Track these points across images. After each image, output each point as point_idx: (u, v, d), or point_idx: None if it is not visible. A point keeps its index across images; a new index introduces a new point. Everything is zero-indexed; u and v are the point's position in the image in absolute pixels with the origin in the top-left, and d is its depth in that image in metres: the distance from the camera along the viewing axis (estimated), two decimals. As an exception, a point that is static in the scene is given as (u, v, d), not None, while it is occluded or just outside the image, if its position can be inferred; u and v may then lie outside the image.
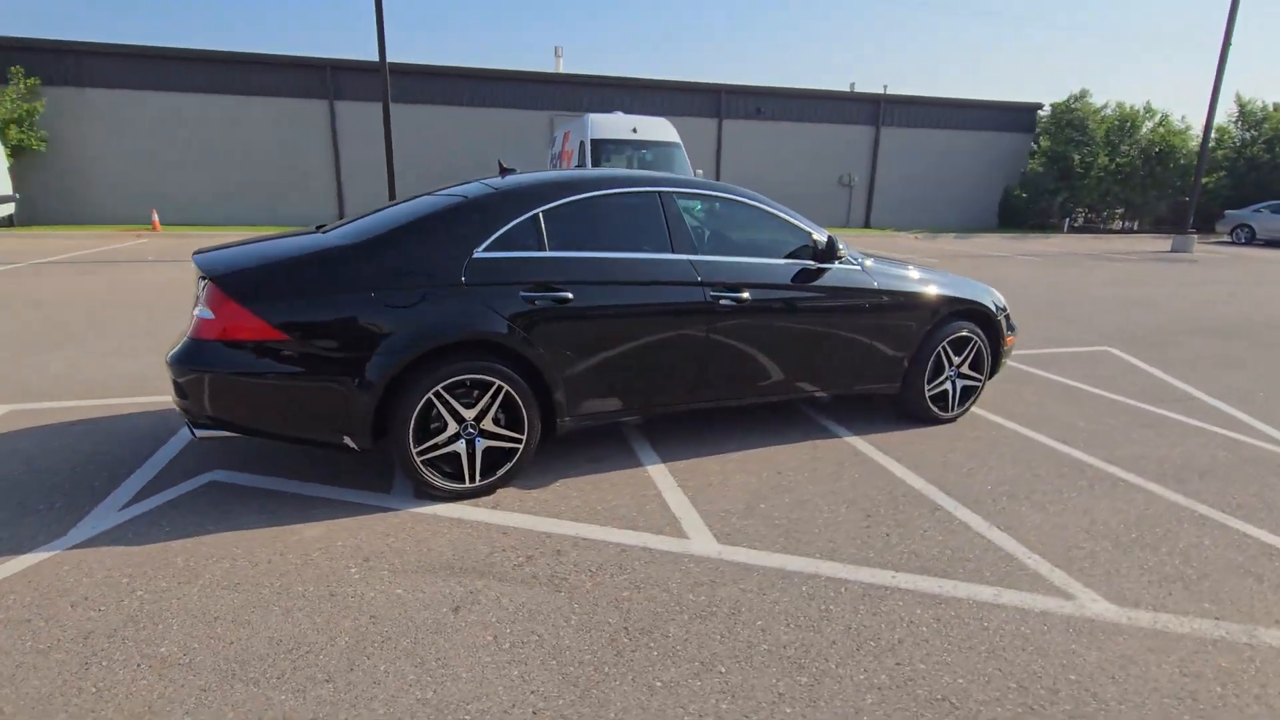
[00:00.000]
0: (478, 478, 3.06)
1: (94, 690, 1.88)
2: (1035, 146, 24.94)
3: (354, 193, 19.17)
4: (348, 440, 2.87)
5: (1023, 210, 24.64)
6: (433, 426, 2.96)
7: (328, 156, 18.85)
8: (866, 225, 24.15)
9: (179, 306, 7.28)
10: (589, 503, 3.08)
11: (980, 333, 4.20)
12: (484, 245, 3.03)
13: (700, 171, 13.60)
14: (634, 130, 12.54)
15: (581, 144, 12.27)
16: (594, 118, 12.72)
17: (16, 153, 16.06)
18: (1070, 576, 2.59)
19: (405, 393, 2.86)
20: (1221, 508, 3.20)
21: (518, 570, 2.53)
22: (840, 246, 3.73)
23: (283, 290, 2.77)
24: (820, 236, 3.73)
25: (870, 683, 2.00)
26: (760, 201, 3.81)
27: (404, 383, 2.86)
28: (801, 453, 3.73)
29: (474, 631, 2.18)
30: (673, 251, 3.39)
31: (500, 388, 3.01)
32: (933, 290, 4.06)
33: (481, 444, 3.05)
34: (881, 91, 23.94)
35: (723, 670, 2.04)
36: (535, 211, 3.16)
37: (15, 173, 15.76)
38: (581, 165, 12.05)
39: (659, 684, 1.97)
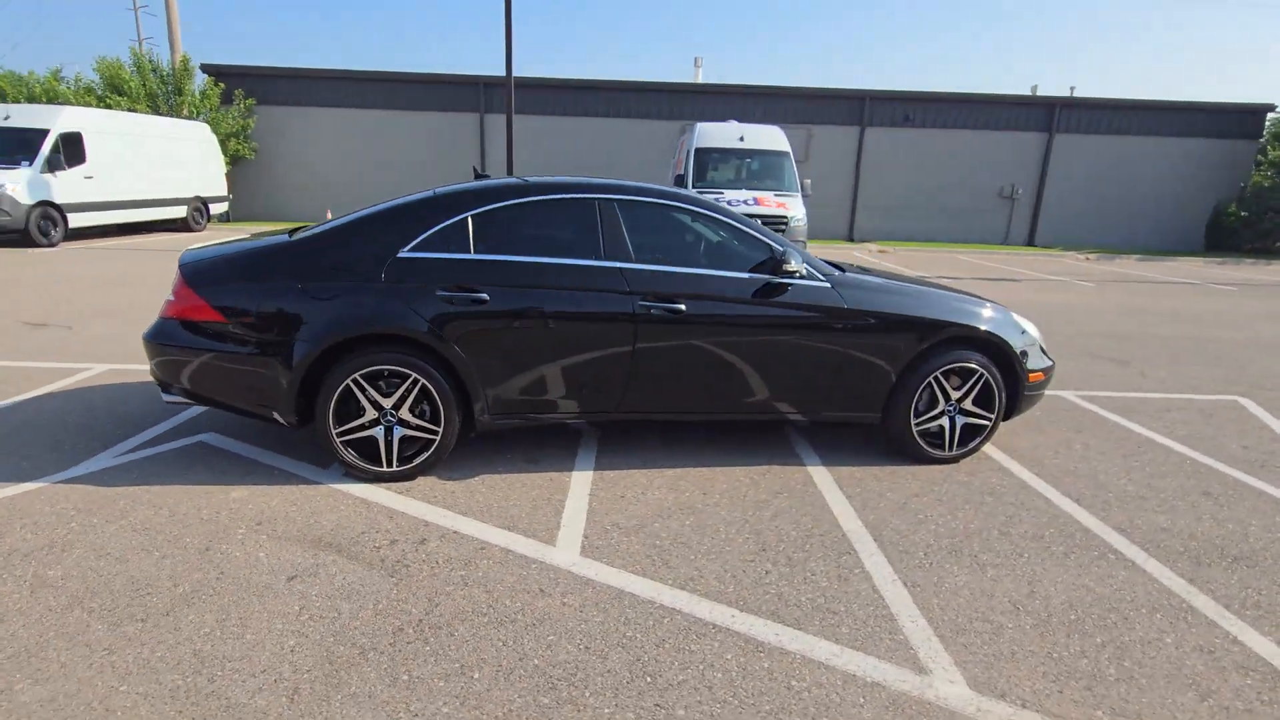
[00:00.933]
0: (394, 463, 3.25)
1: (-18, 596, 2.30)
2: (1262, 157, 20.91)
3: (497, 197, 20.71)
4: (275, 415, 3.19)
5: (1239, 231, 20.75)
6: (354, 411, 3.19)
7: (477, 165, 20.51)
8: (1030, 242, 21.68)
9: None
10: (490, 500, 3.15)
11: (990, 365, 3.68)
12: (409, 246, 3.22)
13: (809, 181, 13.02)
14: (740, 139, 12.34)
15: (688, 153, 12.30)
16: (701, 127, 12.70)
17: (233, 161, 19.30)
18: (944, 650, 2.22)
19: (326, 377, 3.12)
20: (1226, 602, 2.56)
21: (373, 552, 2.67)
22: (797, 262, 3.46)
23: (225, 278, 3.15)
24: (779, 249, 3.50)
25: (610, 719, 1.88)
26: (719, 213, 3.64)
27: (325, 368, 3.13)
28: (747, 476, 3.52)
29: (288, 600, 2.34)
30: (603, 259, 3.36)
31: (417, 380, 3.18)
32: (923, 313, 3.64)
33: (399, 432, 3.24)
34: (1065, 95, 21.40)
35: (475, 677, 2.02)
36: (464, 215, 3.30)
37: (232, 178, 18.97)
38: (685, 175, 12.08)
39: (405, 678, 2.00)
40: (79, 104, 17.25)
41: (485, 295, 3.19)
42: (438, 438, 3.27)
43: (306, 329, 3.08)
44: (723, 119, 15.52)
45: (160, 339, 3.19)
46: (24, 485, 3.10)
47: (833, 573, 2.66)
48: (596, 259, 3.35)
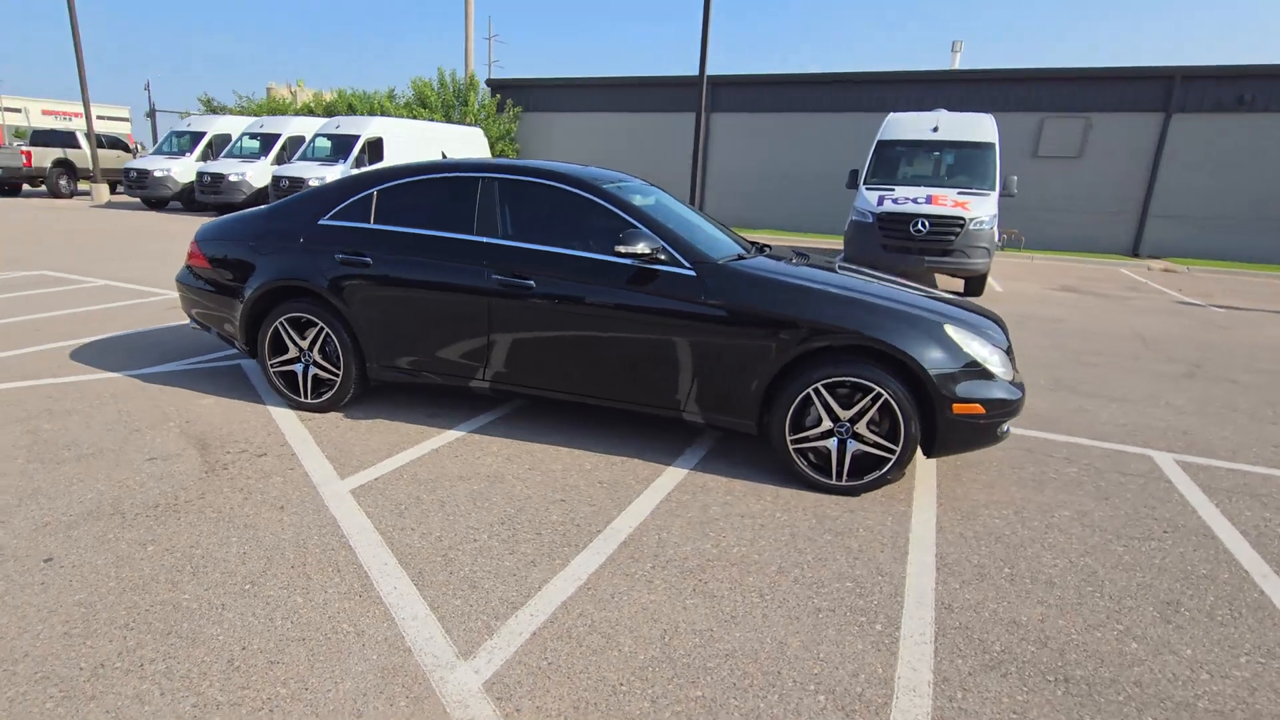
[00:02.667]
0: (308, 396, 3.91)
1: None
2: None
3: (713, 196, 21.15)
4: (236, 342, 4.05)
5: None
6: (283, 348, 3.91)
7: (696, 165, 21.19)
8: None
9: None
10: (351, 439, 3.61)
11: (894, 384, 3.05)
12: (327, 215, 3.81)
13: (1014, 178, 10.90)
14: (935, 129, 10.91)
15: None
16: (891, 117, 11.52)
17: (501, 159, 22.79)
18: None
19: (263, 318, 3.88)
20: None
21: (219, 452, 3.32)
22: (641, 245, 3.24)
23: (216, 236, 4.08)
24: (645, 232, 3.33)
25: None
26: (593, 193, 3.56)
27: (263, 310, 3.89)
28: (593, 462, 3.46)
29: (134, 467, 3.09)
30: (473, 233, 3.57)
31: (321, 329, 3.78)
32: (796, 312, 3.17)
33: (312, 371, 3.88)
34: None
35: (173, 549, 2.50)
36: (371, 190, 3.78)
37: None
38: (859, 170, 11.11)
39: (132, 537, 2.57)
40: (397, 115, 21.94)
41: (369, 260, 3.65)
42: (338, 379, 3.84)
43: (252, 277, 3.87)
44: (975, 108, 13.80)
45: (180, 279, 4.27)
46: (99, 374, 4.43)
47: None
48: (466, 233, 3.58)
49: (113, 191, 20.52)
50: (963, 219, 9.48)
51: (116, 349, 5.03)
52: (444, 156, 18.56)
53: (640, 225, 3.41)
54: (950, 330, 3.15)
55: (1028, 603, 2.45)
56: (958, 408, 3.06)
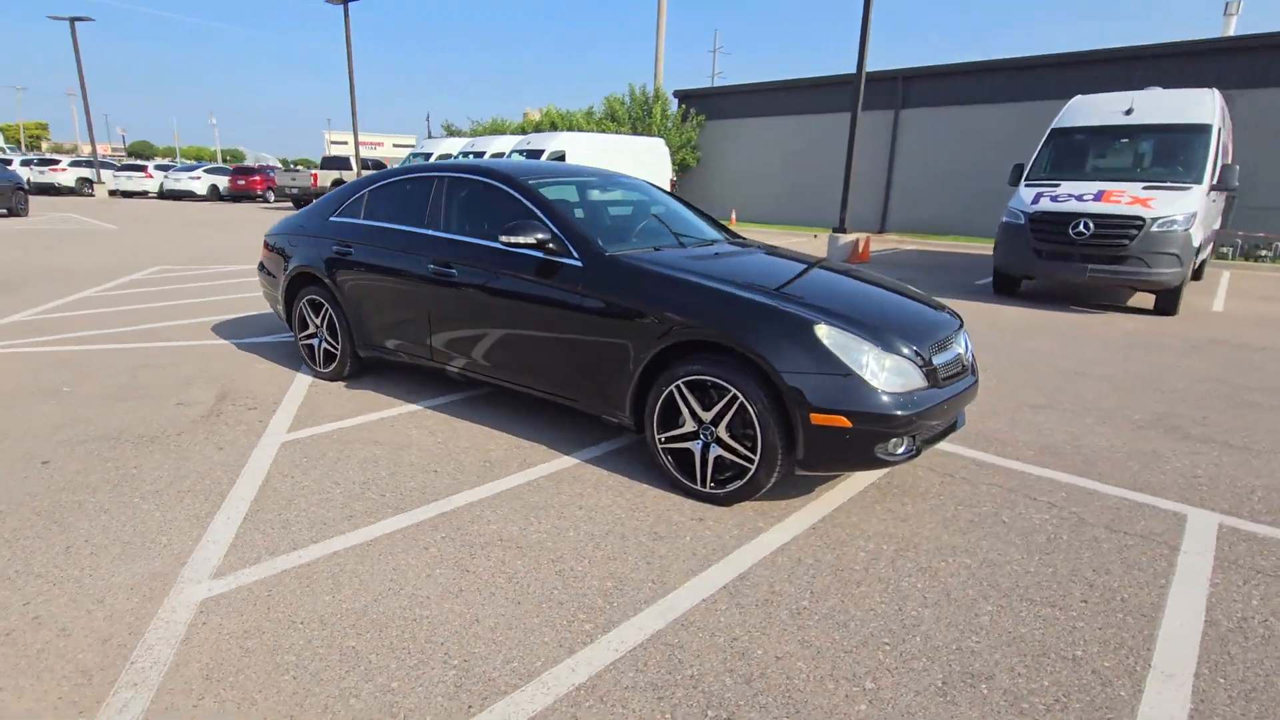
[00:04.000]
0: (321, 367, 4.62)
1: None
2: None
3: (898, 194, 19.57)
4: (282, 317, 4.90)
5: None
6: (306, 326, 4.66)
7: (880, 163, 19.76)
8: None
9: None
10: (326, 404, 4.21)
11: (751, 388, 2.81)
12: (335, 212, 4.47)
13: (1237, 168, 8.44)
14: (1127, 111, 8.99)
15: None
16: (1076, 101, 9.71)
17: (681, 168, 23.41)
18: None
19: (294, 300, 4.68)
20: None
21: (219, 403, 4.10)
22: (533, 236, 3.34)
23: (273, 230, 4.97)
24: (535, 223, 3.42)
25: None
26: (514, 189, 3.72)
27: (293, 293, 4.68)
28: (489, 441, 3.64)
29: (119, 406, 3.97)
30: (423, 227, 3.93)
31: (327, 310, 4.46)
32: (659, 307, 3.05)
33: (323, 345, 4.58)
34: None
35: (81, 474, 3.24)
36: (364, 190, 4.35)
37: (680, 182, 23.08)
38: (1024, 163, 9.53)
39: (52, 457, 3.36)
40: (588, 130, 23.68)
41: (351, 251, 4.22)
42: (338, 354, 4.49)
43: (287, 265, 4.69)
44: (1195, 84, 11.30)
45: (259, 270, 5.28)
46: (214, 341, 5.63)
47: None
48: (418, 226, 3.97)
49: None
50: (1141, 219, 7.79)
51: (249, 324, 6.33)
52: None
53: (538, 216, 3.52)
54: (822, 331, 2.80)
55: (775, 638, 2.15)
56: (817, 418, 2.72)
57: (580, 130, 23.91)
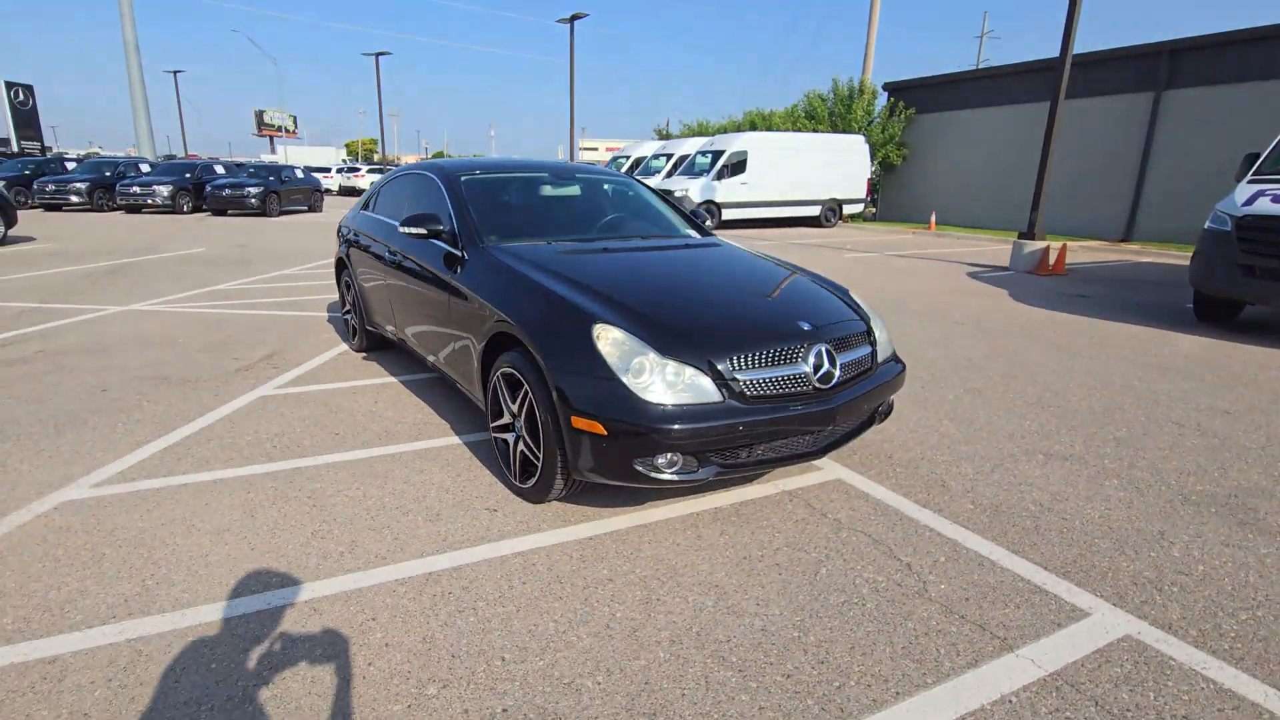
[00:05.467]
0: (350, 340, 5.37)
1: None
2: None
3: (1152, 196, 15.95)
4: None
5: None
6: (344, 303, 5.44)
7: (1130, 158, 16.23)
8: None
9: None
10: (334, 368, 4.89)
11: (534, 383, 2.76)
12: (364, 207, 5.13)
13: None
14: None
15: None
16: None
17: (883, 166, 21.63)
18: None
19: (339, 278, 5.49)
20: (163, 642, 2.00)
21: (225, 360, 4.98)
22: (425, 227, 3.56)
23: (344, 221, 5.83)
24: (430, 214, 3.66)
25: None
26: (441, 181, 3.96)
27: (338, 271, 5.49)
28: (407, 415, 3.95)
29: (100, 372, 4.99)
30: (394, 218, 4.36)
31: (351, 289, 5.17)
32: (487, 297, 3.15)
33: (352, 321, 5.32)
34: None
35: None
36: (379, 187, 4.92)
37: (883, 182, 21.43)
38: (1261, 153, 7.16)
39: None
40: (782, 129, 23.01)
41: (359, 239, 4.84)
42: (357, 329, 5.18)
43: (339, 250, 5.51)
44: None
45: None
46: (334, 314, 6.77)
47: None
48: (394, 218, 4.41)
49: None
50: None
51: (363, 302, 7.49)
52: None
53: (446, 208, 3.74)
54: (597, 330, 2.63)
55: (411, 628, 2.12)
56: (576, 421, 2.57)
57: (776, 130, 23.41)
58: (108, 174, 21.08)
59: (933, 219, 18.96)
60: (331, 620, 2.19)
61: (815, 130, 22.16)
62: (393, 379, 4.70)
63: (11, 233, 12.04)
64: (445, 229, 3.61)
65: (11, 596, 2.27)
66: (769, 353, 2.69)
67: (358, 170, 34.94)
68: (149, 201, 19.43)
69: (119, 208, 20.01)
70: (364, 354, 5.30)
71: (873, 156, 21.19)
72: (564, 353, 2.66)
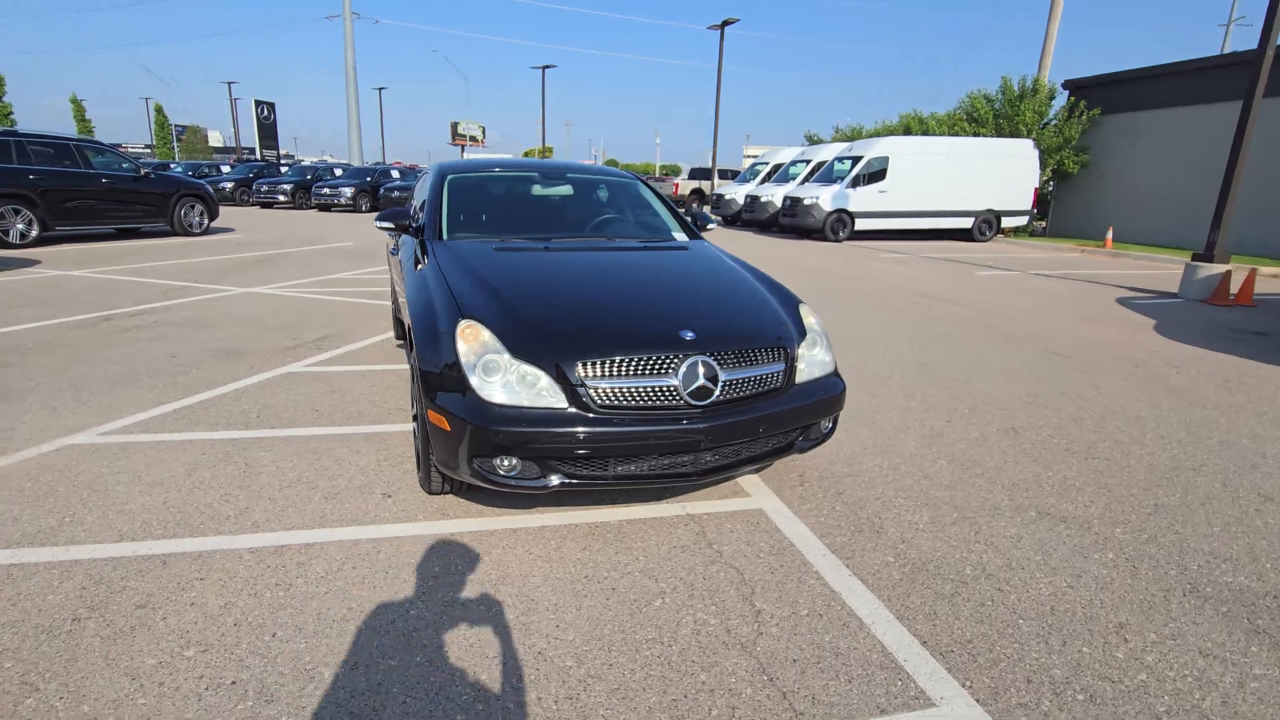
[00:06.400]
0: (396, 329, 5.79)
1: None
2: None
3: None
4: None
5: None
6: (396, 294, 5.89)
7: None
8: None
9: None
10: (371, 350, 5.29)
11: (413, 368, 2.82)
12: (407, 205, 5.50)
13: None
14: None
15: None
16: None
17: (1055, 175, 19.10)
18: (114, 444, 3.43)
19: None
20: (33, 571, 2.30)
21: (330, 325, 5.53)
22: (397, 221, 3.83)
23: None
24: (407, 210, 3.89)
25: None
26: (435, 178, 4.10)
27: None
28: (394, 402, 4.17)
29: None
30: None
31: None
32: (407, 294, 3.27)
33: (394, 309, 5.73)
34: None
35: None
36: (416, 183, 5.24)
37: (1046, 191, 18.97)
38: None
39: None
40: (938, 134, 21.13)
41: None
42: (395, 318, 5.58)
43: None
44: None
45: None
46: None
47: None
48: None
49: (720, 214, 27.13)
50: None
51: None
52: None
53: (424, 205, 3.90)
54: (460, 326, 2.63)
55: (189, 602, 2.26)
56: (431, 414, 2.59)
57: (932, 134, 21.60)
58: (309, 177, 24.52)
59: (1109, 235, 16.45)
60: (168, 575, 2.39)
61: (976, 134, 20.14)
62: (406, 366, 5.00)
63: (213, 224, 14.46)
64: (412, 224, 3.78)
65: (-29, 516, 2.75)
66: (632, 362, 2.51)
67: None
68: (336, 201, 22.33)
69: (313, 206, 23.22)
70: (399, 342, 5.70)
71: (1043, 163, 18.84)
72: (430, 346, 2.68)
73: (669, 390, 2.52)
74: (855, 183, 17.38)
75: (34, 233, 10.70)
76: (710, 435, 2.53)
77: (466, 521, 2.81)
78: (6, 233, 10.37)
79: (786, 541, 2.74)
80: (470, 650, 2.06)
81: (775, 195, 19.61)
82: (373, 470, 3.27)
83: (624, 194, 4.50)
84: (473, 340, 2.57)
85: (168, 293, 7.63)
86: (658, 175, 40.97)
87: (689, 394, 2.52)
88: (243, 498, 2.96)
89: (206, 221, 13.68)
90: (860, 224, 17.61)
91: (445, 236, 3.66)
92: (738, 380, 2.63)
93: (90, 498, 2.91)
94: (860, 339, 6.35)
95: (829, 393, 2.89)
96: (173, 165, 29.91)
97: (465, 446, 2.47)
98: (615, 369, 2.50)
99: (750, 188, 21.61)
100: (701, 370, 2.55)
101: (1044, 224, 20.69)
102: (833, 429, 3.05)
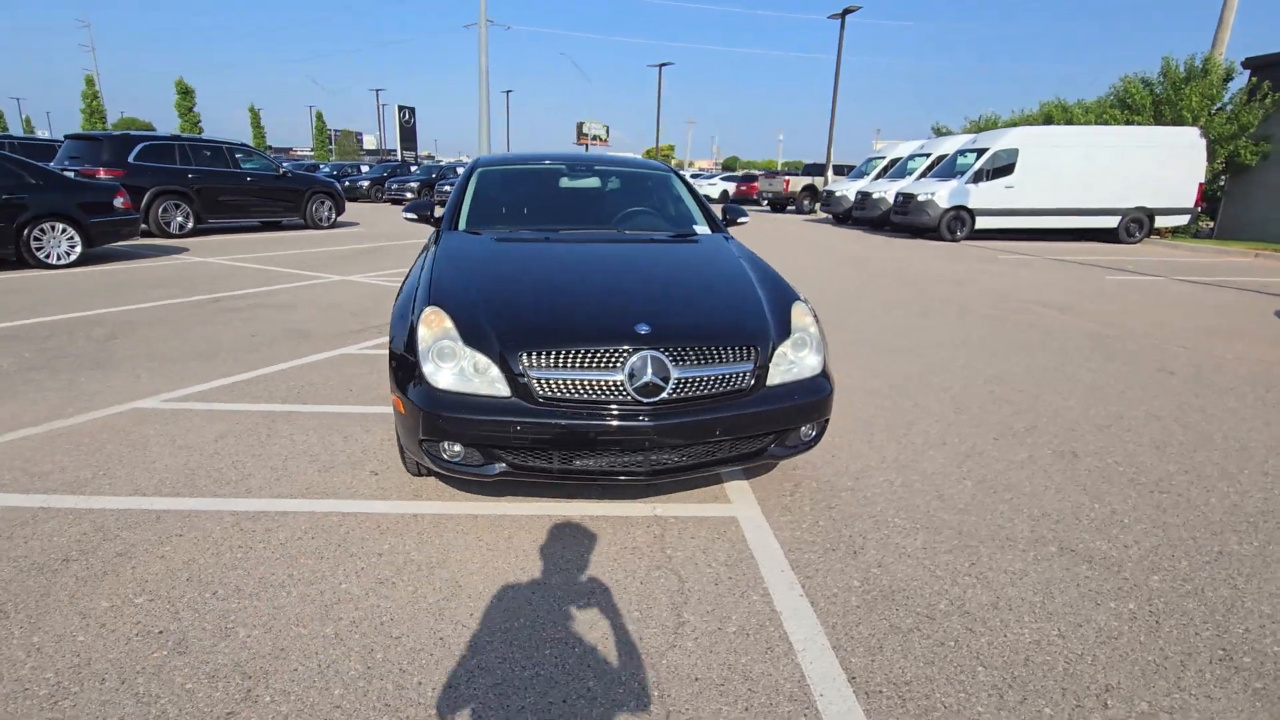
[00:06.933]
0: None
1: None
2: None
3: None
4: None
5: None
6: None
7: None
8: None
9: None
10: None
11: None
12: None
13: None
14: None
15: None
16: None
17: (1227, 168, 16.51)
18: (170, 409, 3.83)
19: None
20: (54, 514, 2.61)
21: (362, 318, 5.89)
22: (420, 212, 3.92)
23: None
24: (434, 201, 3.96)
25: None
26: (465, 171, 4.15)
27: None
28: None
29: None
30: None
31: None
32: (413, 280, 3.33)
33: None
34: None
35: None
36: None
37: (1215, 186, 16.47)
38: None
39: None
40: (1086, 122, 18.95)
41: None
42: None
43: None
44: None
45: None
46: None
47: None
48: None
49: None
50: None
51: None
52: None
53: (447, 198, 4.02)
54: (426, 313, 2.68)
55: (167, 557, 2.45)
56: (394, 397, 2.66)
57: (1076, 124, 19.46)
58: (434, 176, 26.28)
59: (1254, 255, 14.04)
60: (155, 530, 2.62)
61: (1130, 123, 17.90)
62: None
63: (340, 219, 15.84)
64: (432, 215, 3.92)
65: (30, 461, 3.17)
66: (576, 354, 2.44)
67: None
68: (404, 196, 24.42)
69: (384, 200, 25.10)
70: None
71: (1212, 155, 16.42)
72: (399, 330, 2.76)
73: (614, 385, 2.43)
74: (978, 177, 16.03)
75: (190, 224, 12.23)
76: (658, 434, 2.41)
77: (434, 504, 2.87)
78: (169, 224, 11.93)
79: (747, 553, 2.57)
80: (375, 629, 2.09)
81: (888, 191, 18.53)
82: (374, 449, 3.42)
83: (652, 187, 4.42)
84: (435, 326, 2.61)
85: (276, 279, 8.44)
86: (779, 170, 39.83)
87: (635, 390, 2.42)
88: (249, 465, 3.20)
89: (334, 216, 15.01)
90: (981, 222, 16.24)
91: (460, 227, 3.77)
92: (693, 379, 2.49)
93: (128, 455, 3.27)
94: (930, 346, 5.84)
95: (808, 397, 2.66)
96: (322, 166, 33.10)
97: (413, 428, 2.52)
98: (558, 360, 2.44)
99: (863, 184, 20.53)
100: (650, 366, 2.43)
101: (1211, 224, 18.06)
102: (817, 437, 2.81)
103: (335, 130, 73.57)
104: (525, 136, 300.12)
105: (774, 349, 2.67)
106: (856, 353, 5.55)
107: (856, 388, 4.61)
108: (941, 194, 16.11)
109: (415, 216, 3.96)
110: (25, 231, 8.01)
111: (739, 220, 4.35)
